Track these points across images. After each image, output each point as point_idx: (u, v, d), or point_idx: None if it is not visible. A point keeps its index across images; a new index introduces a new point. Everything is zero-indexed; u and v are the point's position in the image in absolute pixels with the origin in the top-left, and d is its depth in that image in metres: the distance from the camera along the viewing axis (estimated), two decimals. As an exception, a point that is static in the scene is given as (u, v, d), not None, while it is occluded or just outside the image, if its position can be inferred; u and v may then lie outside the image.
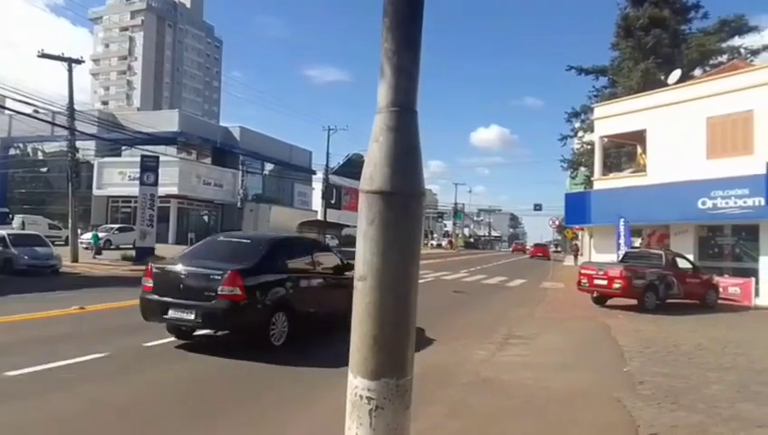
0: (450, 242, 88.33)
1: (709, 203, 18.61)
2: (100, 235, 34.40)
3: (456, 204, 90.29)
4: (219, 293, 7.45)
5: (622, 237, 20.34)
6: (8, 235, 20.67)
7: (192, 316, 7.59)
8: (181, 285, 7.77)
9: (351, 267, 10.02)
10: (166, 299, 7.73)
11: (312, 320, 9.20)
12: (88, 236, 34.19)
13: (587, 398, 6.66)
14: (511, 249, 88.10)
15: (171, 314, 7.72)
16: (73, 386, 6.28)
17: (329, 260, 10.00)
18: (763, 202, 17.13)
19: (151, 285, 8.00)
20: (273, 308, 8.09)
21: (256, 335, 8.10)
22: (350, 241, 49.04)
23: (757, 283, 18.06)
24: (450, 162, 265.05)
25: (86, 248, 30.04)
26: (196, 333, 8.89)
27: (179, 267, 8.09)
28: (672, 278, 16.00)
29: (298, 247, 9.88)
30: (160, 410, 5.66)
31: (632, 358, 8.89)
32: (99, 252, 28.28)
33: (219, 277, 7.55)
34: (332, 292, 9.38)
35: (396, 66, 2.11)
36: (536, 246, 66.86)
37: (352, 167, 59.53)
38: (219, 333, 9.06)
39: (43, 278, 18.35)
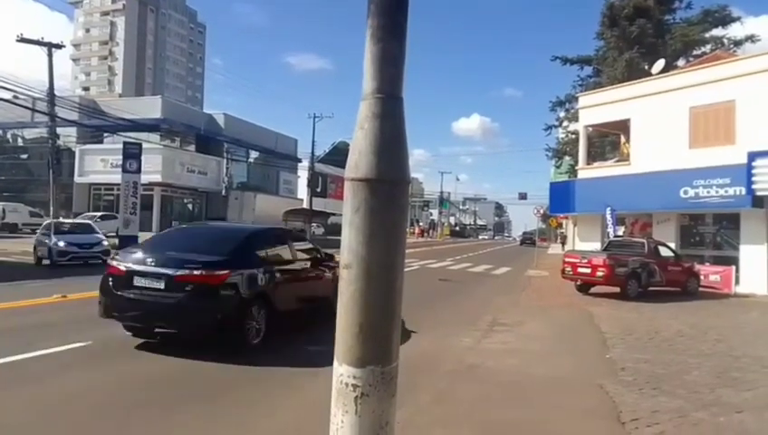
0: (422, 231, 78.50)
1: (691, 192, 18.82)
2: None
3: (441, 192, 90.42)
4: None
5: (610, 226, 20.54)
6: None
7: None
8: None
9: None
10: None
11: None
12: None
13: (570, 384, 6.75)
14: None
15: None
16: (53, 376, 6.23)
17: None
18: (744, 191, 17.36)
19: None
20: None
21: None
22: (336, 229, 48.79)
23: (737, 271, 18.36)
24: (433, 151, 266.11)
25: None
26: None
27: None
28: (654, 266, 16.20)
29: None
30: (142, 400, 5.62)
31: (614, 345, 9.01)
32: None
33: None
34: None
35: (381, 53, 2.09)
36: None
37: (338, 155, 59.27)
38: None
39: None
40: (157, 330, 7.70)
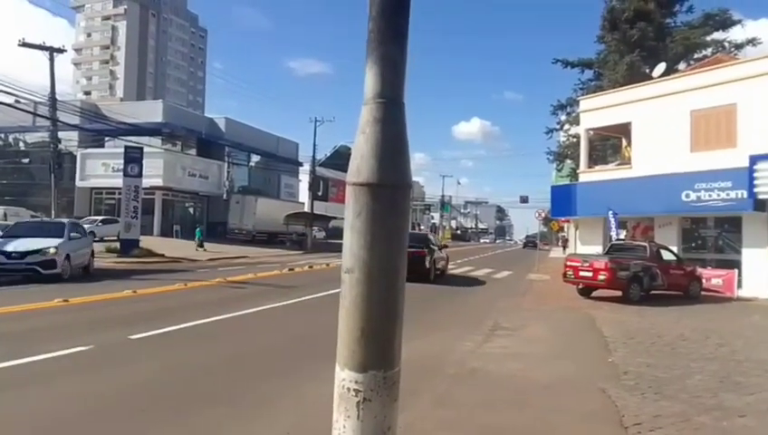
0: None
1: (693, 195, 18.80)
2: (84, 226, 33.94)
3: (443, 196, 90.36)
4: None
5: (613, 229, 20.53)
6: None
7: None
8: None
9: None
10: None
11: None
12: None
13: (572, 388, 6.73)
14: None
15: None
16: (56, 380, 6.22)
17: None
18: (745, 195, 17.34)
19: None
20: None
21: None
22: (337, 233, 48.94)
23: (740, 274, 18.31)
24: (434, 154, 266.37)
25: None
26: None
27: None
28: (656, 270, 16.16)
29: None
30: (145, 403, 5.61)
31: (616, 349, 8.98)
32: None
33: None
34: None
35: (382, 58, 2.08)
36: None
37: (339, 159, 59.28)
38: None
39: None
40: None
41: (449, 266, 23.38)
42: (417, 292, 15.21)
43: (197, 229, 34.25)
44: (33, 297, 11.74)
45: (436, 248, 20.70)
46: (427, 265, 18.60)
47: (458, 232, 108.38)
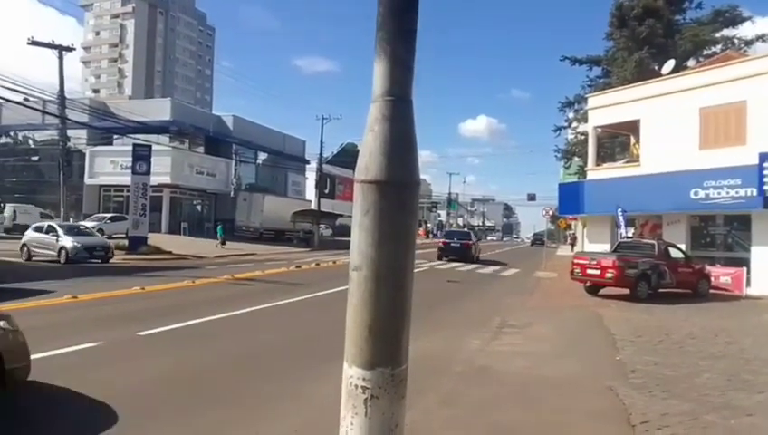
0: (427, 232, 76.15)
1: (702, 193, 18.68)
2: (93, 223, 34.12)
3: (449, 193, 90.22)
4: None
5: (622, 227, 20.45)
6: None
7: None
8: None
9: None
10: None
11: None
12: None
13: (579, 386, 6.72)
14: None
15: None
16: (62, 376, 6.25)
17: None
18: (755, 192, 17.22)
19: None
20: None
21: None
22: (344, 231, 48.92)
23: (748, 272, 18.20)
24: (440, 152, 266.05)
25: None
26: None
27: None
28: (664, 268, 16.08)
29: None
30: (151, 400, 5.64)
31: (624, 347, 8.96)
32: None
33: None
34: None
35: (391, 56, 2.09)
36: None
37: (346, 156, 59.33)
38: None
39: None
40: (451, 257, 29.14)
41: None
42: (430, 289, 15.25)
43: (219, 227, 34.33)
44: (41, 294, 11.82)
45: (476, 241, 33.20)
46: (473, 252, 30.16)
47: (465, 230, 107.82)
